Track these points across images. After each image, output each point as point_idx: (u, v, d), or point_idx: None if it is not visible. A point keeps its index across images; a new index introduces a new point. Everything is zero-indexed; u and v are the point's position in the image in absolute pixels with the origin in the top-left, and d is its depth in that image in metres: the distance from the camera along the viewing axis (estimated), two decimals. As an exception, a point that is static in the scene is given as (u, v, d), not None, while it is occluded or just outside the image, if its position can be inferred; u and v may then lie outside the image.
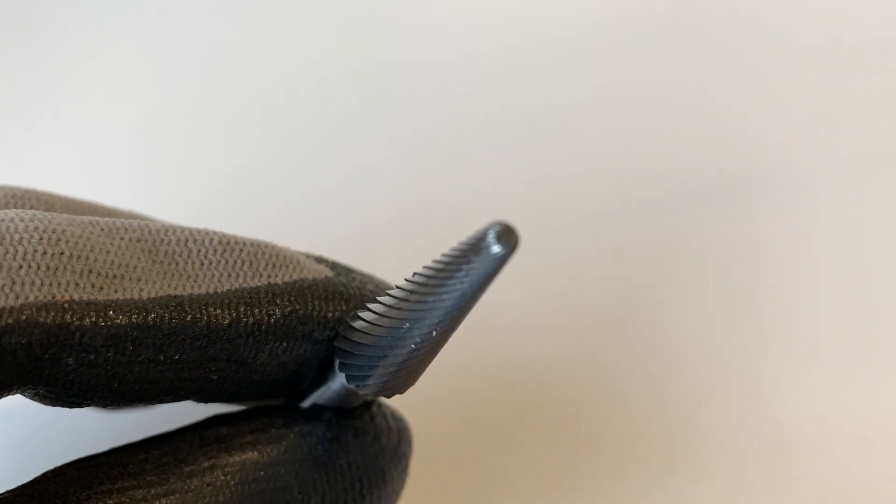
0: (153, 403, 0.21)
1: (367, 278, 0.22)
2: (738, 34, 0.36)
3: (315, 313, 0.20)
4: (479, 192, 0.33)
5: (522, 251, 0.17)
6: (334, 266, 0.22)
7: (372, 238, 0.33)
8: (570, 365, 0.31)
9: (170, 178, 0.35)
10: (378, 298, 0.18)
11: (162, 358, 0.19)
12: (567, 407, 0.31)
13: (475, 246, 0.15)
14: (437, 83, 0.36)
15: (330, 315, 0.21)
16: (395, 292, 0.18)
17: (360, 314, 0.19)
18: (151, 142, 0.35)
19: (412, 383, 0.20)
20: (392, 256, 0.30)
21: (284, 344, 0.20)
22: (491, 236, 0.15)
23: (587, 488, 0.30)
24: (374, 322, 0.18)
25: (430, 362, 0.19)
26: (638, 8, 0.36)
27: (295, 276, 0.21)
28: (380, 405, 0.23)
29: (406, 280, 0.17)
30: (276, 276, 0.21)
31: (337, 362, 0.20)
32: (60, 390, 0.19)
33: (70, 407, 0.19)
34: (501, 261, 0.15)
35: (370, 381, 0.19)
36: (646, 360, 0.31)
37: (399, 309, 0.18)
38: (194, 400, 0.21)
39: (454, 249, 0.16)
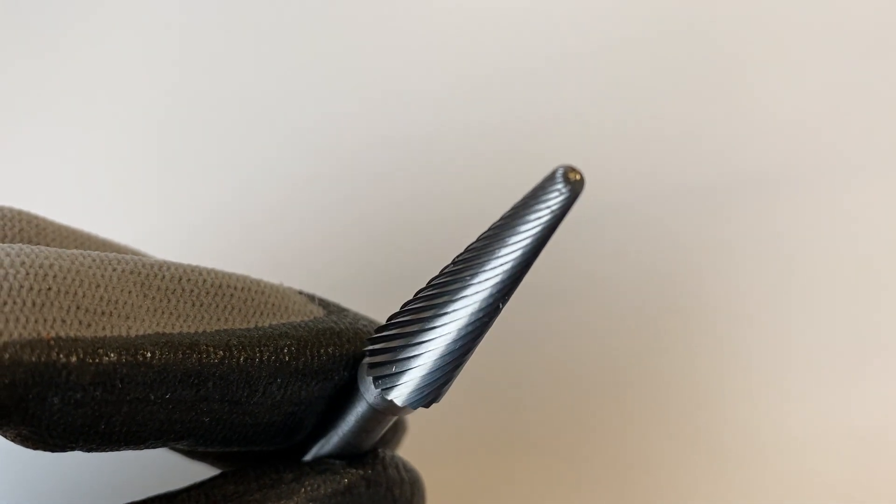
0: (141, 447, 0.20)
1: (359, 316, 0.22)
2: (738, 34, 0.36)
3: (308, 348, 0.20)
4: (479, 193, 0.32)
5: None
6: (326, 305, 0.22)
7: (372, 237, 0.32)
8: (570, 365, 0.31)
9: (168, 178, 0.34)
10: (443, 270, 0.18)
11: (152, 397, 0.18)
12: (567, 407, 0.30)
13: (543, 188, 0.16)
14: (437, 83, 0.35)
15: (322, 350, 0.20)
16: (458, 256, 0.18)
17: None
18: (151, 142, 0.35)
19: (448, 385, 0.19)
20: (392, 255, 0.29)
21: (279, 380, 0.20)
22: (560, 175, 0.16)
23: (587, 488, 0.30)
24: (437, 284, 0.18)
25: (470, 355, 0.19)
26: (638, 8, 0.36)
27: (284, 320, 0.21)
28: (392, 455, 0.22)
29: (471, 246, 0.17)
30: (266, 321, 0.20)
31: (366, 367, 0.19)
32: (45, 431, 0.18)
33: (53, 450, 0.19)
34: (571, 199, 0.16)
35: (405, 379, 0.18)
36: (646, 361, 0.31)
37: (466, 267, 0.17)
38: (185, 445, 0.20)
39: (518, 203, 0.16)
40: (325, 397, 0.21)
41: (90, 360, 0.18)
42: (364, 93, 0.35)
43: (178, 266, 0.20)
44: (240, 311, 0.20)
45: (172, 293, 0.20)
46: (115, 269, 0.19)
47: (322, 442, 0.21)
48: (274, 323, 0.20)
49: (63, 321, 0.18)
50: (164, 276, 0.20)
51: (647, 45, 0.35)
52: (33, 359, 0.17)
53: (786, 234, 0.33)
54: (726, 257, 0.33)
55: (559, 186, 0.16)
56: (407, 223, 0.32)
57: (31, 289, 0.18)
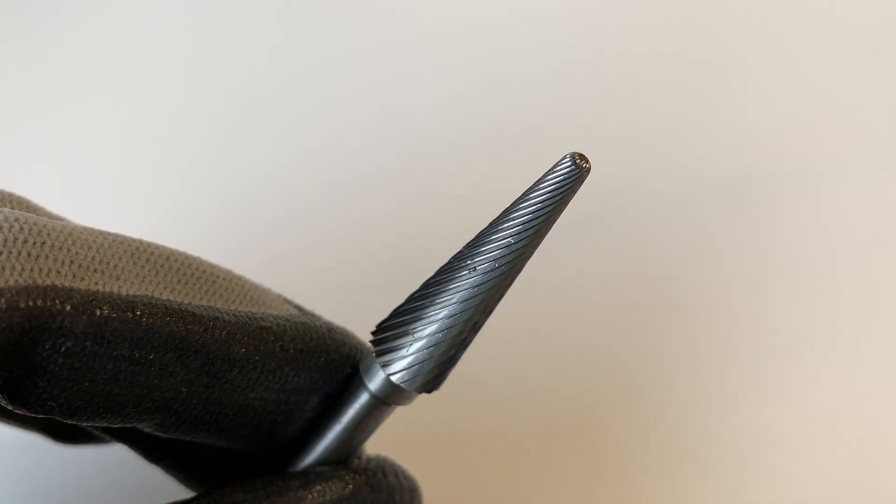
0: (117, 420, 0.20)
1: (331, 322, 0.22)
2: (738, 35, 0.37)
3: (285, 335, 0.21)
4: (479, 193, 0.33)
5: None
6: (300, 308, 0.23)
7: (372, 237, 0.33)
8: (570, 365, 0.31)
9: (167, 179, 0.35)
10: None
11: (136, 355, 0.19)
12: (568, 406, 0.30)
13: (552, 171, 0.18)
14: (437, 84, 0.36)
15: (298, 341, 0.21)
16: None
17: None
18: (149, 143, 0.35)
19: (448, 371, 0.20)
20: (391, 254, 0.29)
21: (256, 358, 0.20)
22: (567, 158, 0.18)
23: (587, 488, 0.30)
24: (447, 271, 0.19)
25: (465, 348, 0.20)
26: (639, 8, 0.37)
27: (262, 311, 0.21)
28: (391, 463, 0.22)
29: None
30: (245, 308, 0.21)
31: (371, 353, 0.20)
32: (26, 382, 0.18)
33: (29, 410, 0.19)
34: (578, 178, 0.18)
35: (411, 359, 0.19)
36: (646, 361, 0.31)
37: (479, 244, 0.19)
38: (158, 421, 0.20)
39: (530, 187, 0.18)
40: (301, 401, 0.21)
41: (83, 310, 0.18)
42: (363, 94, 0.36)
43: (165, 247, 0.21)
44: (221, 296, 0.21)
45: (161, 267, 0.20)
46: (105, 238, 0.20)
47: (315, 443, 0.22)
48: (253, 311, 0.21)
49: (58, 272, 0.18)
50: (152, 252, 0.20)
51: (648, 45, 0.36)
52: (30, 303, 0.17)
53: (785, 233, 0.33)
54: (725, 257, 0.33)
55: (567, 167, 0.18)
56: (406, 223, 0.33)
57: (27, 241, 0.18)
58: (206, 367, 0.20)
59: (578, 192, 0.18)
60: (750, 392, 0.31)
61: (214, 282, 0.21)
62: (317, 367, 0.21)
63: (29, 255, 0.18)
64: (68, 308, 0.18)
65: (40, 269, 0.18)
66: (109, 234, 0.20)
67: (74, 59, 0.36)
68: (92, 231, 0.20)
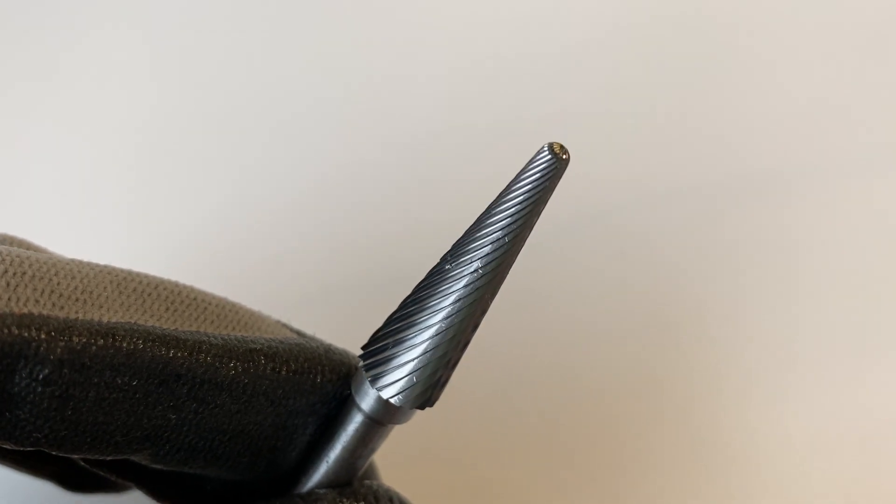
0: (108, 449, 0.19)
1: (332, 345, 0.22)
2: (738, 35, 0.36)
3: (278, 356, 0.20)
4: (478, 193, 0.32)
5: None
6: (300, 333, 0.22)
7: (372, 236, 0.32)
8: (570, 365, 0.30)
9: (167, 179, 0.35)
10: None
11: (119, 382, 0.18)
12: (568, 406, 0.30)
13: (531, 163, 0.17)
14: (436, 84, 0.36)
15: (292, 362, 0.20)
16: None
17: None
18: (149, 142, 0.35)
19: (444, 383, 0.19)
20: (392, 254, 0.29)
21: (245, 381, 0.20)
22: (545, 148, 0.17)
23: (587, 487, 0.29)
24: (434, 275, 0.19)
25: (461, 354, 0.19)
26: (637, 9, 0.36)
27: (257, 336, 0.21)
28: (386, 489, 0.22)
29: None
30: (238, 333, 0.21)
31: (362, 371, 0.19)
32: (7, 415, 0.18)
33: (16, 444, 0.19)
34: (557, 167, 0.17)
35: (402, 372, 0.19)
36: (646, 361, 0.31)
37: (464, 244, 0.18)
38: (151, 451, 0.20)
39: (512, 181, 0.18)
40: (299, 424, 0.21)
41: (60, 336, 0.18)
42: (363, 94, 0.35)
43: (155, 277, 0.21)
44: (212, 322, 0.21)
45: (148, 296, 0.20)
46: (91, 268, 0.20)
47: (316, 467, 0.21)
48: (245, 335, 0.21)
49: (36, 301, 0.18)
50: (140, 281, 0.20)
51: (648, 45, 0.36)
52: (3, 331, 0.17)
53: (785, 234, 0.33)
54: (726, 257, 0.33)
55: (545, 158, 0.17)
56: (406, 224, 0.33)
57: (6, 272, 0.18)
58: (194, 391, 0.19)
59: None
60: (749, 393, 0.31)
61: (206, 309, 0.21)
62: (313, 389, 0.20)
63: (8, 284, 0.18)
64: (43, 335, 0.18)
65: (17, 299, 0.18)
66: (97, 265, 0.20)
67: (74, 58, 0.36)
68: (79, 263, 0.20)
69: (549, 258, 0.31)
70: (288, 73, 0.36)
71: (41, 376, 0.18)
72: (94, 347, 0.18)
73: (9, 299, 0.18)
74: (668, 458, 0.30)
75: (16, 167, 0.35)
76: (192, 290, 0.21)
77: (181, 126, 0.36)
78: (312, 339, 0.22)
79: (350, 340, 0.21)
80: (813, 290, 0.33)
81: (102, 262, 0.20)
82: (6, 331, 0.17)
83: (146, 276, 0.20)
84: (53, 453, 0.19)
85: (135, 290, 0.20)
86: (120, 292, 0.20)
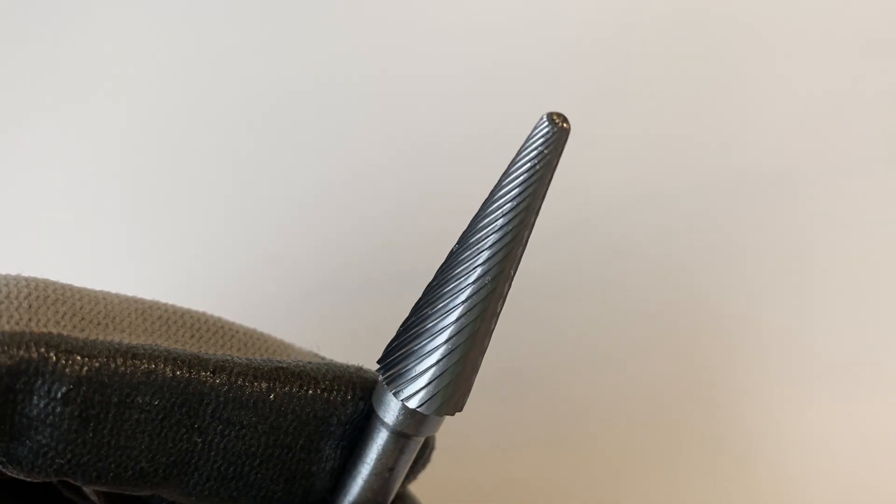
0: (133, 480, 0.19)
1: (363, 367, 0.21)
2: (738, 35, 0.36)
3: (304, 374, 0.19)
4: (478, 193, 0.32)
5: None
6: (329, 360, 0.22)
7: (372, 237, 0.32)
8: (570, 365, 0.30)
9: (166, 179, 0.34)
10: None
11: (139, 401, 0.18)
12: (568, 406, 0.29)
13: (531, 136, 0.16)
14: (436, 84, 0.35)
15: (322, 384, 0.20)
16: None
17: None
18: (149, 142, 0.35)
19: (471, 383, 0.18)
20: (392, 255, 0.29)
21: (272, 397, 0.19)
22: (544, 119, 0.16)
23: (588, 487, 0.29)
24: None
25: (484, 348, 0.18)
26: (638, 8, 0.36)
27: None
28: None
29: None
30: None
31: (382, 384, 0.19)
32: (28, 443, 0.18)
33: (40, 474, 0.18)
34: (559, 136, 0.16)
35: (426, 377, 0.18)
36: (647, 361, 0.31)
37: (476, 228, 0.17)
38: (178, 481, 0.19)
39: (512, 160, 0.17)
40: (332, 445, 0.20)
41: (78, 355, 0.18)
42: (363, 95, 0.35)
43: (182, 307, 0.21)
44: (239, 349, 0.20)
45: (173, 323, 0.20)
46: (117, 297, 0.20)
47: (349, 490, 0.20)
48: (273, 358, 0.20)
49: (57, 322, 0.18)
50: (165, 309, 0.20)
51: (648, 45, 0.36)
52: (21, 351, 0.17)
53: (787, 233, 0.33)
54: (727, 257, 0.32)
55: (545, 128, 0.16)
56: (406, 224, 0.32)
57: (29, 295, 0.18)
58: (218, 412, 0.19)
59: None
60: (751, 392, 0.31)
61: (232, 336, 0.20)
62: (343, 408, 0.20)
63: (30, 306, 0.18)
64: (61, 353, 0.18)
65: (38, 320, 0.18)
66: (124, 295, 0.20)
67: (74, 57, 0.36)
68: (106, 292, 0.20)
69: (550, 258, 0.31)
70: (288, 73, 0.36)
71: (59, 394, 0.18)
72: (112, 365, 0.18)
73: (29, 320, 0.18)
74: (669, 458, 0.30)
75: (15, 167, 0.35)
76: (218, 319, 0.21)
77: (182, 126, 0.36)
78: (344, 363, 0.21)
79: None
80: (815, 290, 0.32)
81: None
82: (24, 348, 0.17)
83: (172, 305, 0.20)
84: (77, 484, 0.19)
85: (160, 317, 0.20)
86: (144, 319, 0.20)
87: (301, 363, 0.20)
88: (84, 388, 0.18)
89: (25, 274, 0.21)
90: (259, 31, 0.36)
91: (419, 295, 0.18)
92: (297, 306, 0.30)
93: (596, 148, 0.34)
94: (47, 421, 0.18)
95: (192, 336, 0.20)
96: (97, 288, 0.22)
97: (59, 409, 0.18)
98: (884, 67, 0.35)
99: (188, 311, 0.20)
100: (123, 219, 0.34)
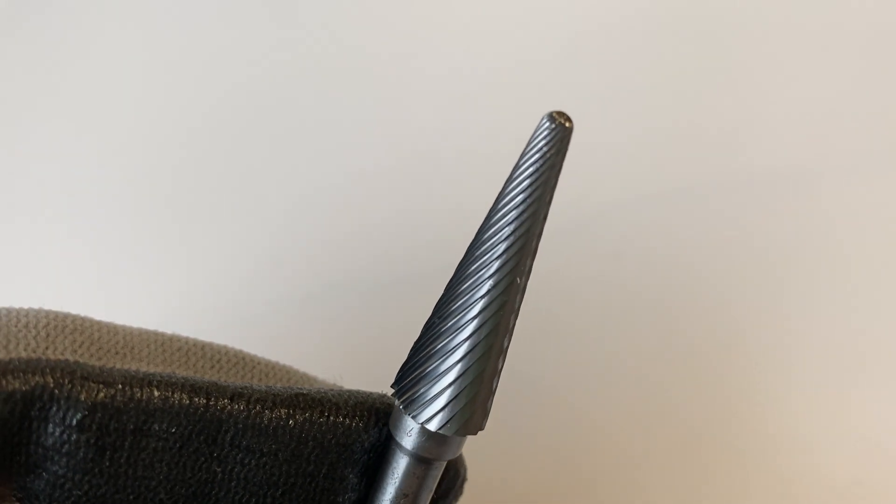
0: None
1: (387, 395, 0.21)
2: (738, 35, 0.35)
3: (323, 400, 0.19)
4: (478, 194, 0.31)
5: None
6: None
7: (373, 238, 0.31)
8: (570, 365, 0.30)
9: (166, 178, 0.34)
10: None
11: (155, 429, 0.18)
12: (567, 406, 0.29)
13: (534, 136, 0.16)
14: (436, 84, 0.35)
15: (343, 410, 0.19)
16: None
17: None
18: (149, 142, 0.35)
19: (491, 398, 0.18)
20: (397, 257, 0.28)
21: (291, 423, 0.19)
22: (545, 118, 0.16)
23: (587, 487, 0.29)
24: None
25: (505, 354, 0.17)
26: (638, 8, 0.35)
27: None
28: None
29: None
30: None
31: (398, 408, 0.18)
32: (45, 475, 0.17)
33: None
34: (562, 134, 0.16)
35: (444, 397, 0.17)
36: (647, 361, 0.31)
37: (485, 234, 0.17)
38: None
39: (517, 162, 0.16)
40: (357, 473, 0.19)
41: (93, 382, 0.17)
42: (364, 94, 0.35)
43: (204, 341, 0.20)
44: (260, 379, 0.20)
45: (193, 354, 0.20)
46: (137, 329, 0.20)
47: None
48: (293, 386, 0.20)
49: (74, 351, 0.18)
50: (185, 342, 0.20)
51: (649, 45, 0.35)
52: (36, 377, 0.17)
53: (787, 233, 0.33)
54: (727, 257, 0.32)
55: (547, 127, 0.16)
56: (405, 225, 0.32)
57: (48, 325, 0.18)
58: (237, 439, 0.18)
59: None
60: (750, 392, 0.31)
61: (253, 367, 0.20)
62: (366, 434, 0.19)
63: (47, 335, 0.18)
64: (77, 379, 0.17)
65: (55, 348, 0.18)
66: (143, 328, 0.20)
67: (73, 57, 0.36)
68: (124, 325, 0.20)
69: (549, 257, 0.30)
70: (292, 75, 0.36)
71: (74, 421, 0.17)
72: (128, 391, 0.18)
73: (46, 348, 0.18)
74: (670, 458, 0.30)
75: (16, 167, 0.34)
76: (239, 351, 0.20)
77: (181, 123, 0.35)
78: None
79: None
80: (816, 290, 0.32)
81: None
82: (39, 374, 0.17)
83: (193, 338, 0.20)
84: None
85: (179, 349, 0.20)
86: (164, 350, 0.19)
87: (322, 390, 0.19)
88: (99, 415, 0.17)
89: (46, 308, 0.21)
90: (263, 32, 0.36)
91: (425, 297, 0.18)
92: (300, 308, 0.30)
93: (596, 148, 0.34)
94: (63, 450, 0.17)
95: (213, 367, 0.20)
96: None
97: (74, 437, 0.17)
98: (884, 67, 0.35)
99: (209, 344, 0.20)
100: (125, 219, 0.34)
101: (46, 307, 0.21)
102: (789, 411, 0.30)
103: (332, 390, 0.20)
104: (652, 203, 0.33)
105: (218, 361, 0.20)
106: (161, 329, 0.20)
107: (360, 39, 0.36)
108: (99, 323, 0.19)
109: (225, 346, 0.20)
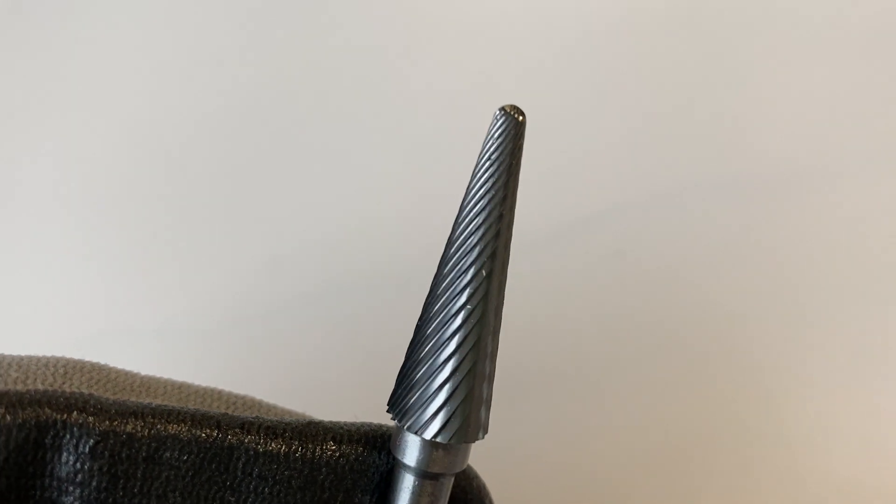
0: None
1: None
2: (738, 35, 0.35)
3: (340, 430, 0.19)
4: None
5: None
6: None
7: (372, 237, 0.31)
8: (570, 365, 0.29)
9: (165, 178, 0.34)
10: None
11: (168, 457, 0.18)
12: (567, 406, 0.29)
13: (489, 133, 0.16)
14: (436, 83, 0.34)
15: (355, 437, 0.19)
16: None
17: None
18: (147, 141, 0.34)
19: (489, 399, 0.18)
20: (392, 255, 0.27)
21: (304, 451, 0.19)
22: (498, 112, 0.17)
23: (588, 487, 0.29)
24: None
25: (495, 356, 0.17)
26: (638, 8, 0.35)
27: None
28: None
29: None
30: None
31: (395, 424, 0.18)
32: (61, 491, 0.18)
33: None
34: (516, 127, 0.16)
35: (438, 404, 0.17)
36: (647, 361, 0.30)
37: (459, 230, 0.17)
38: None
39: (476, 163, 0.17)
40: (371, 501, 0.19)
41: (106, 410, 0.18)
42: (364, 94, 0.35)
43: (219, 388, 0.21)
44: (274, 415, 0.20)
45: (208, 395, 0.20)
46: (155, 376, 0.20)
47: None
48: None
49: (90, 387, 0.19)
50: (201, 386, 0.20)
51: (649, 45, 0.35)
52: (49, 409, 0.18)
53: (787, 233, 0.32)
54: (727, 257, 0.32)
55: (502, 122, 0.17)
56: (405, 225, 0.31)
57: (66, 365, 0.19)
58: (250, 466, 0.18)
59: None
60: (750, 392, 0.31)
61: (269, 411, 0.20)
62: (380, 461, 0.19)
63: (65, 373, 0.19)
64: (90, 407, 0.18)
65: (71, 384, 0.19)
66: (162, 377, 0.20)
67: (72, 57, 0.36)
68: (143, 374, 0.20)
69: (549, 257, 0.30)
70: (290, 74, 0.36)
71: (87, 448, 0.18)
72: (140, 420, 0.18)
73: (62, 384, 0.18)
74: (671, 458, 0.30)
75: (16, 167, 0.34)
76: (254, 398, 0.21)
77: (182, 126, 0.35)
78: None
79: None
80: (817, 290, 0.32)
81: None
82: (53, 406, 0.18)
83: (211, 386, 0.21)
84: None
85: (196, 391, 0.20)
86: (180, 391, 0.20)
87: (335, 421, 0.20)
88: (112, 442, 0.18)
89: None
90: (262, 32, 0.37)
91: (418, 296, 0.18)
92: (299, 308, 0.29)
93: (596, 148, 0.34)
94: (77, 479, 0.18)
95: (227, 408, 0.20)
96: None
97: (87, 465, 0.18)
98: (884, 67, 0.35)
99: (224, 390, 0.21)
100: (124, 219, 0.34)
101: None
102: (791, 411, 0.30)
103: (345, 422, 0.20)
104: (652, 203, 0.33)
105: (233, 404, 0.20)
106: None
107: (361, 40, 0.36)
108: (115, 368, 0.20)
109: (242, 395, 0.21)
